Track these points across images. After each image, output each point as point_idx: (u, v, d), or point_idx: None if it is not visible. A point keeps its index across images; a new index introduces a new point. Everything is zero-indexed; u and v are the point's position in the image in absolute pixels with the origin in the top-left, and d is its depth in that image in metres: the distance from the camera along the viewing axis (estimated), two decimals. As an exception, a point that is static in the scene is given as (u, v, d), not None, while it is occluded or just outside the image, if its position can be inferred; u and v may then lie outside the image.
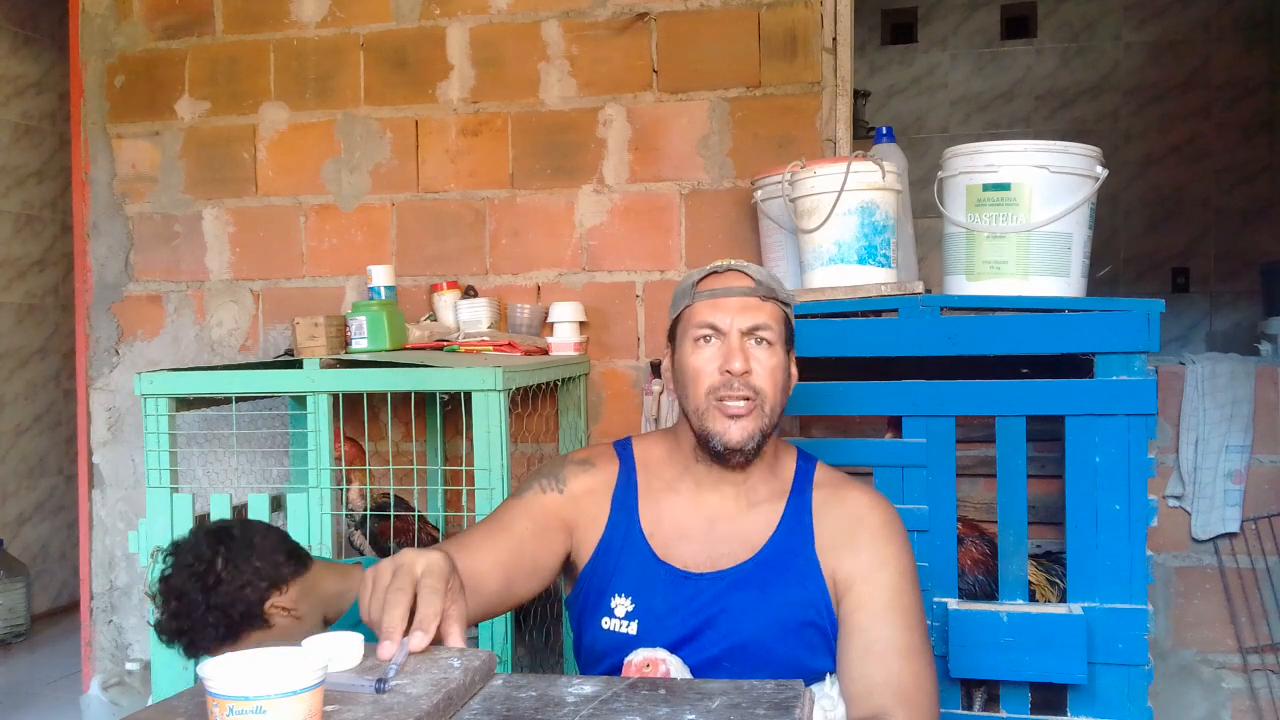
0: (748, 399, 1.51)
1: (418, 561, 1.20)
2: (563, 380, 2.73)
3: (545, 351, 2.79)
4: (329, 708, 1.17)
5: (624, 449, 1.68)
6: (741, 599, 1.53)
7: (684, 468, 1.61)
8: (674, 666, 1.50)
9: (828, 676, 1.53)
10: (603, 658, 1.55)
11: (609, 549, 1.61)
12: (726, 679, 1.50)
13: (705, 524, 1.59)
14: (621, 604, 1.55)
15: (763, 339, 1.53)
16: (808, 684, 1.49)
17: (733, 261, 1.59)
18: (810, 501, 1.59)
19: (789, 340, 1.58)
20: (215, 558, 1.67)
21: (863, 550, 1.54)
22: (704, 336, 1.54)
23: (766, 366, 1.53)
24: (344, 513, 2.57)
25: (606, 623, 1.55)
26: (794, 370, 1.61)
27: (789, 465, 1.64)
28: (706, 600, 1.54)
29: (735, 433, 1.52)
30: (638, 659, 1.50)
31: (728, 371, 1.52)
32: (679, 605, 1.54)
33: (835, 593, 1.53)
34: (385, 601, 1.16)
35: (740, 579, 1.54)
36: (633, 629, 1.54)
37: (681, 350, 1.57)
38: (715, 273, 1.58)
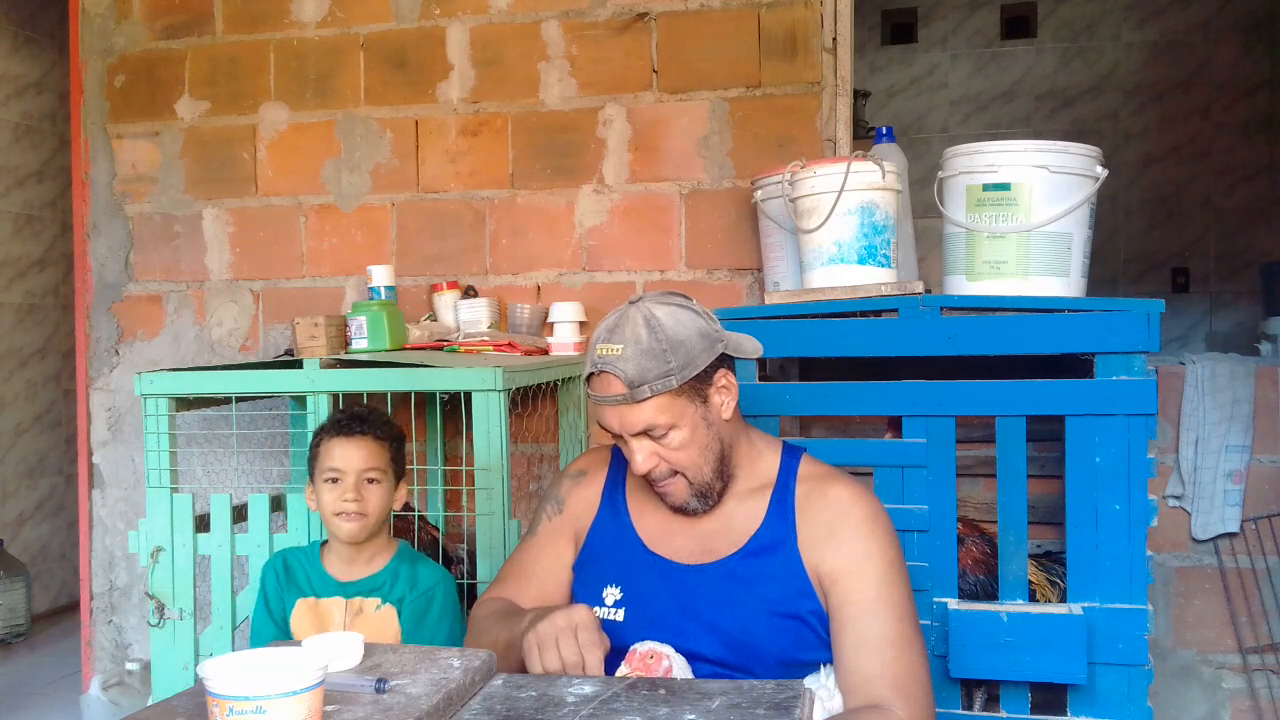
0: (669, 478, 1.59)
1: (571, 617, 1.43)
2: (563, 380, 2.73)
3: (545, 351, 2.79)
4: (329, 708, 1.17)
5: (617, 448, 1.73)
6: (726, 592, 1.57)
7: None
8: (678, 665, 1.51)
9: (822, 668, 1.54)
10: None
11: (598, 539, 1.69)
12: (713, 671, 1.53)
13: (690, 519, 1.64)
14: (611, 593, 1.62)
15: (656, 435, 1.55)
16: (798, 675, 1.51)
17: (605, 358, 1.53)
18: (793, 496, 1.62)
19: (695, 390, 1.55)
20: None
21: (845, 544, 1.56)
22: (614, 434, 1.59)
23: (670, 451, 1.56)
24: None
25: (597, 611, 1.59)
26: (724, 396, 1.59)
27: (771, 460, 1.67)
28: (692, 592, 1.58)
29: (672, 500, 1.61)
30: (642, 648, 1.52)
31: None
32: (666, 596, 1.59)
33: (820, 587, 1.56)
34: (564, 665, 1.39)
35: (725, 573, 1.58)
36: (620, 616, 1.60)
37: None
38: (594, 373, 1.55)
